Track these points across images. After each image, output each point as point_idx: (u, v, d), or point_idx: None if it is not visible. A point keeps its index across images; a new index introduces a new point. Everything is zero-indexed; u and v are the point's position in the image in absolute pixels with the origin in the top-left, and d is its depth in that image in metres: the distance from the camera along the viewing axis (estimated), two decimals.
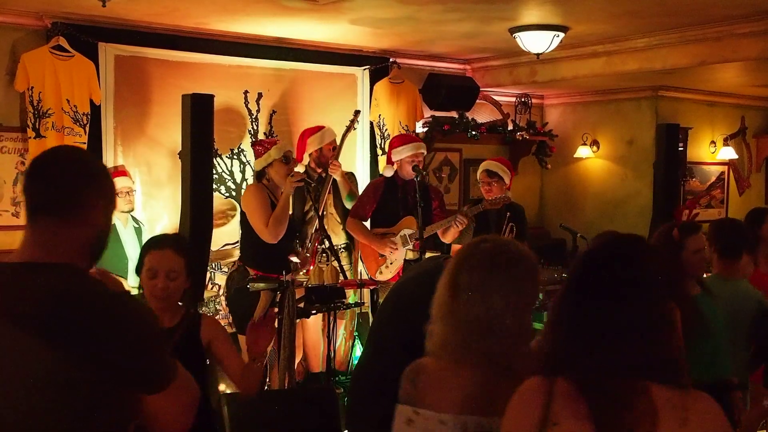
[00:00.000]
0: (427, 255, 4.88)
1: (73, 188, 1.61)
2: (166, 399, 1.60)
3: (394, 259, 5.15)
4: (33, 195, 1.62)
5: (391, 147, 5.33)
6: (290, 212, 4.81)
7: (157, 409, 1.61)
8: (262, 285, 4.30)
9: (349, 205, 5.45)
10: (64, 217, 1.60)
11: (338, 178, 5.34)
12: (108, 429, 1.56)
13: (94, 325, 1.51)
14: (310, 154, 5.34)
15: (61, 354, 1.48)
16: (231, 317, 4.93)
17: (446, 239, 5.17)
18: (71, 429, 1.53)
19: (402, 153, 5.23)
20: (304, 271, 5.00)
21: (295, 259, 4.50)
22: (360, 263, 5.53)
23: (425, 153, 5.37)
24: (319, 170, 5.37)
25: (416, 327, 2.80)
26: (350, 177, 5.67)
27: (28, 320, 1.49)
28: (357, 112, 5.80)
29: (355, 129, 5.83)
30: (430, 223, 5.11)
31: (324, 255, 5.24)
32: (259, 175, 4.73)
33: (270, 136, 6.07)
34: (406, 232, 5.13)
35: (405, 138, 5.45)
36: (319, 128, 5.43)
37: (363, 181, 6.71)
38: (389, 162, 5.35)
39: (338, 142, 5.47)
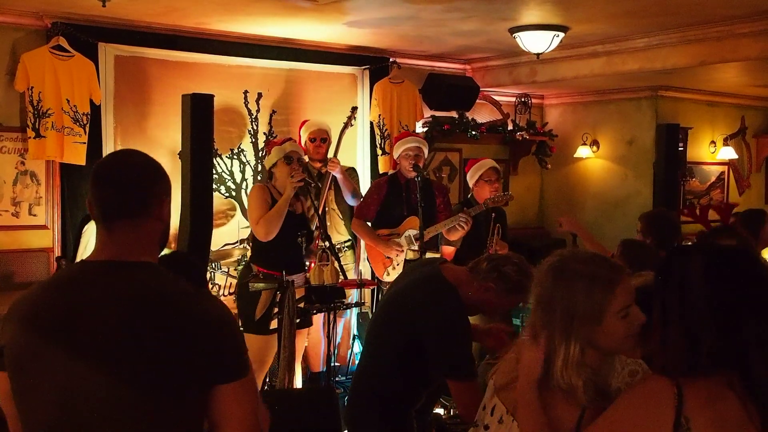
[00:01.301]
0: (428, 255, 4.89)
1: (143, 191, 1.72)
2: (238, 394, 1.64)
3: (401, 260, 5.15)
4: (105, 202, 1.69)
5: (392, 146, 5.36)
6: (300, 211, 4.81)
7: (229, 410, 1.63)
8: (261, 285, 4.31)
9: (352, 202, 5.46)
10: (138, 219, 1.70)
11: (338, 175, 5.34)
12: (189, 427, 1.63)
13: (178, 319, 1.60)
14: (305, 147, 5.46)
15: (146, 348, 1.56)
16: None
17: (452, 238, 5.17)
18: (154, 423, 1.58)
19: (398, 149, 5.26)
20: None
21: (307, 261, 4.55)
22: (364, 262, 5.54)
23: (423, 148, 5.34)
24: (318, 165, 5.40)
25: (413, 332, 2.81)
26: (351, 173, 5.69)
27: (116, 317, 1.57)
28: (354, 109, 5.82)
29: (352, 125, 5.85)
30: (434, 220, 5.11)
31: (324, 255, 5.24)
32: (269, 175, 4.77)
33: (270, 137, 6.07)
34: (411, 232, 5.13)
35: (402, 135, 5.46)
36: (305, 122, 5.60)
37: (364, 181, 6.72)
38: (393, 163, 5.35)
39: (335, 139, 5.49)
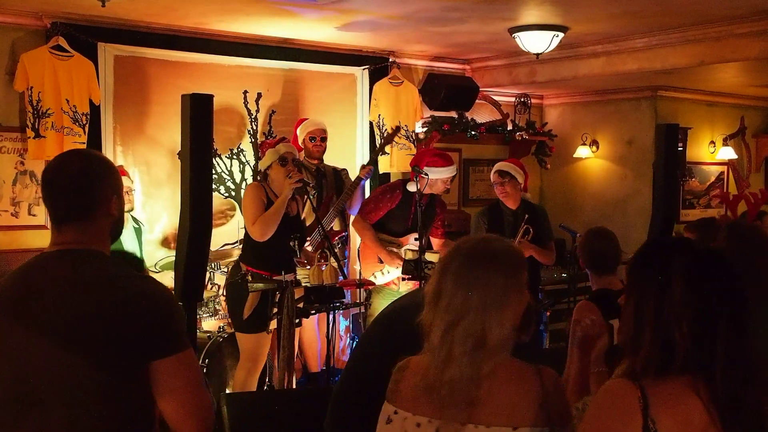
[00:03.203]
0: (427, 255, 4.89)
1: (85, 196, 1.82)
2: (175, 369, 1.73)
3: (393, 269, 5.15)
4: (52, 207, 1.83)
5: (423, 160, 5.14)
6: (295, 213, 4.81)
7: (168, 384, 1.72)
8: (261, 285, 4.30)
9: (352, 210, 5.51)
10: (85, 221, 1.82)
11: (366, 183, 5.60)
12: (134, 410, 1.73)
13: (115, 297, 1.72)
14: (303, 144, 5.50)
15: (87, 325, 1.68)
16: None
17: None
18: (101, 397, 1.69)
19: (442, 174, 5.11)
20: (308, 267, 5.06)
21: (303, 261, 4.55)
22: (355, 261, 5.55)
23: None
24: (314, 161, 5.42)
25: (405, 354, 2.78)
26: (343, 174, 5.74)
27: (61, 296, 1.72)
28: (398, 129, 5.87)
29: (395, 143, 6.16)
30: (429, 232, 5.21)
31: (324, 255, 5.24)
32: (264, 176, 4.75)
33: (270, 137, 6.07)
34: (411, 247, 5.13)
35: (447, 159, 5.24)
36: (302, 120, 5.64)
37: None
38: (416, 172, 5.15)
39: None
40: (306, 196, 4.79)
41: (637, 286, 1.64)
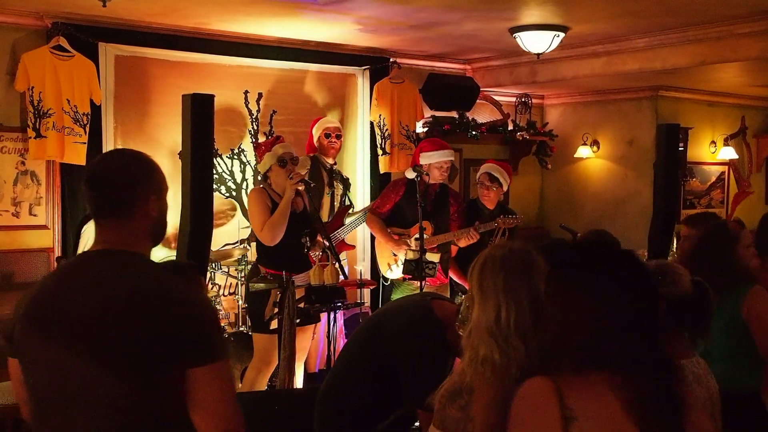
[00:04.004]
0: (427, 256, 4.90)
1: (126, 192, 1.84)
2: (211, 378, 1.71)
3: (403, 259, 5.17)
4: (93, 203, 1.85)
5: (420, 149, 5.30)
6: (302, 208, 4.82)
7: (203, 394, 1.71)
8: (261, 285, 4.31)
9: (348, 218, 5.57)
10: (123, 218, 1.83)
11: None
12: (166, 410, 1.71)
13: (154, 302, 1.71)
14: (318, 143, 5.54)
15: (123, 328, 1.67)
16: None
17: (460, 245, 5.22)
18: (134, 402, 1.67)
19: (432, 158, 5.18)
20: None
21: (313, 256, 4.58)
22: (362, 261, 5.56)
23: (453, 160, 5.34)
24: (328, 159, 5.46)
25: (388, 358, 2.79)
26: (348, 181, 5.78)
27: (96, 299, 1.71)
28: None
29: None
30: (445, 227, 5.19)
31: (324, 255, 5.25)
32: (264, 179, 4.76)
33: (270, 137, 6.06)
34: (411, 247, 5.15)
35: (436, 143, 5.37)
36: (318, 119, 5.68)
37: (363, 181, 6.72)
38: (415, 164, 5.26)
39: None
40: (308, 196, 4.80)
41: (554, 286, 1.67)
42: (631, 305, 1.55)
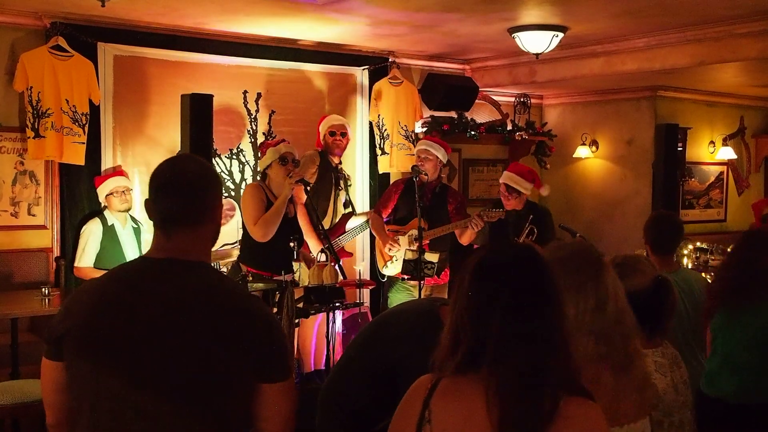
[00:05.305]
0: (427, 255, 4.90)
1: (200, 201, 1.81)
2: (283, 394, 1.74)
3: (400, 256, 5.18)
4: (166, 212, 1.79)
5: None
6: (293, 215, 4.82)
7: (273, 409, 1.73)
8: (261, 285, 4.30)
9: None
10: (196, 225, 1.79)
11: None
12: (237, 422, 1.72)
13: (232, 315, 1.70)
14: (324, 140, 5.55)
15: (200, 339, 1.65)
16: None
17: (463, 241, 5.19)
18: (205, 416, 1.66)
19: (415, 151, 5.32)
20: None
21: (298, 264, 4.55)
22: (362, 262, 5.56)
23: (431, 150, 5.24)
24: (334, 158, 5.45)
25: (390, 360, 2.78)
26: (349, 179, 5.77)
27: (174, 309, 1.68)
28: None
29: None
30: (442, 225, 5.17)
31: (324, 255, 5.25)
32: (262, 176, 4.76)
33: (269, 137, 6.07)
34: (414, 232, 5.15)
35: (428, 138, 5.46)
36: (324, 117, 5.69)
37: (363, 181, 6.72)
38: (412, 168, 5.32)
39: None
40: (307, 195, 4.81)
41: (453, 287, 1.70)
42: (492, 300, 1.55)
